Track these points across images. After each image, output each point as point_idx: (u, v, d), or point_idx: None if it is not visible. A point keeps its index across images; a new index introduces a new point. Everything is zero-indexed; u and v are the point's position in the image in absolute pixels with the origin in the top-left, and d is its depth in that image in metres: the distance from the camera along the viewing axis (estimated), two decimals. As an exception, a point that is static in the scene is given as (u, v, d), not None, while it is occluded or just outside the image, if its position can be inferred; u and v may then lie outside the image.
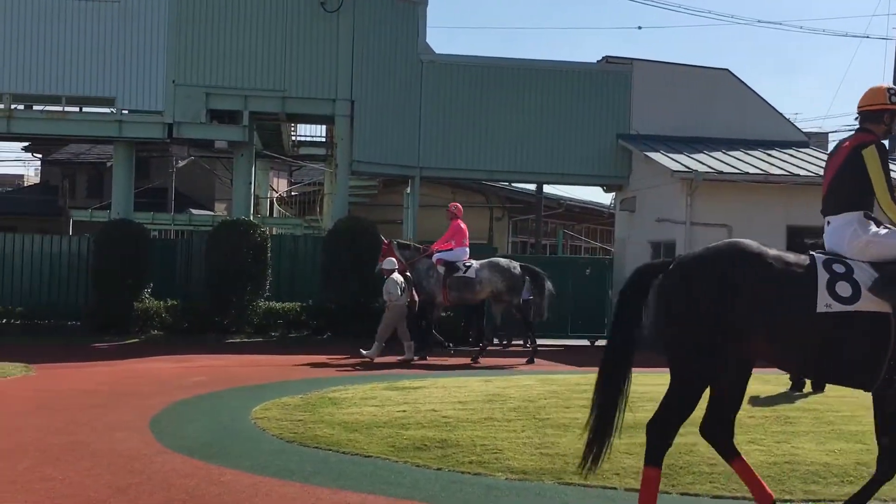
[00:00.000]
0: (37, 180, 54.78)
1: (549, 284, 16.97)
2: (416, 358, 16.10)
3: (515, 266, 16.89)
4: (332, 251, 20.21)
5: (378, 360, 16.02)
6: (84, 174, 41.43)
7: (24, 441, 8.38)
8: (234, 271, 19.72)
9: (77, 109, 21.13)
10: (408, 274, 16.60)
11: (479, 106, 22.69)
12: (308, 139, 29.43)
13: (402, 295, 16.04)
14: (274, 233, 28.17)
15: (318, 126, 28.57)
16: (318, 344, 19.25)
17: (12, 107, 20.60)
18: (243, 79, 20.88)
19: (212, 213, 38.08)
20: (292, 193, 38.54)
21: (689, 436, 7.90)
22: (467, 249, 17.09)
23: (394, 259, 16.49)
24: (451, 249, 16.96)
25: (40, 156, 43.95)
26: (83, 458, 7.73)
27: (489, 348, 17.49)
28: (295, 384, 12.52)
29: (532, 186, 31.15)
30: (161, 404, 10.59)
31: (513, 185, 30.27)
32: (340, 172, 21.62)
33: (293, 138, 28.54)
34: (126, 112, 20.86)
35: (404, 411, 9.71)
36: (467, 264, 16.81)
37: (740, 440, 6.92)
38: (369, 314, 19.24)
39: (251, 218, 21.42)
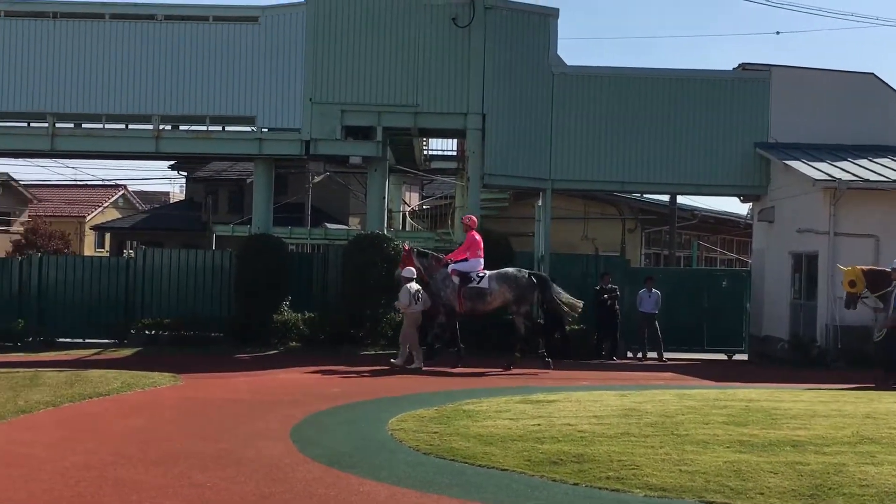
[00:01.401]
0: (182, 197, 57.25)
1: (557, 290, 17.20)
2: (423, 365, 16.56)
3: (524, 275, 17.17)
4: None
5: (508, 372, 16.00)
6: (226, 190, 42.99)
7: (175, 449, 8.73)
8: (368, 284, 20.04)
9: (220, 129, 21.95)
10: (426, 280, 16.92)
11: (611, 116, 22.41)
12: (440, 153, 29.71)
13: (417, 303, 16.53)
14: (406, 246, 28.57)
15: (450, 140, 28.81)
16: (451, 356, 19.32)
17: (160, 127, 21.56)
18: (376, 95, 21.26)
19: (346, 227, 38.94)
20: (424, 207, 38.99)
21: (837, 455, 7.59)
22: (482, 261, 17.40)
23: (412, 268, 16.96)
24: (465, 260, 17.29)
25: (185, 173, 45.93)
26: (229, 465, 7.99)
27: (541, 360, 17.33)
28: (429, 396, 12.62)
29: (665, 197, 30.56)
30: (301, 414, 10.86)
31: (645, 196, 29.79)
32: (472, 185, 21.71)
33: (425, 152, 28.85)
34: (266, 130, 21.54)
35: (539, 425, 9.65)
36: (480, 275, 17.14)
37: None
38: (498, 325, 19.28)
39: (384, 231, 21.74)
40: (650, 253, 33.30)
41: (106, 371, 14.89)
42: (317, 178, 36.71)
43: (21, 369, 15.18)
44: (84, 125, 21.85)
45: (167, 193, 71.04)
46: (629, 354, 19.77)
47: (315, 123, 21.21)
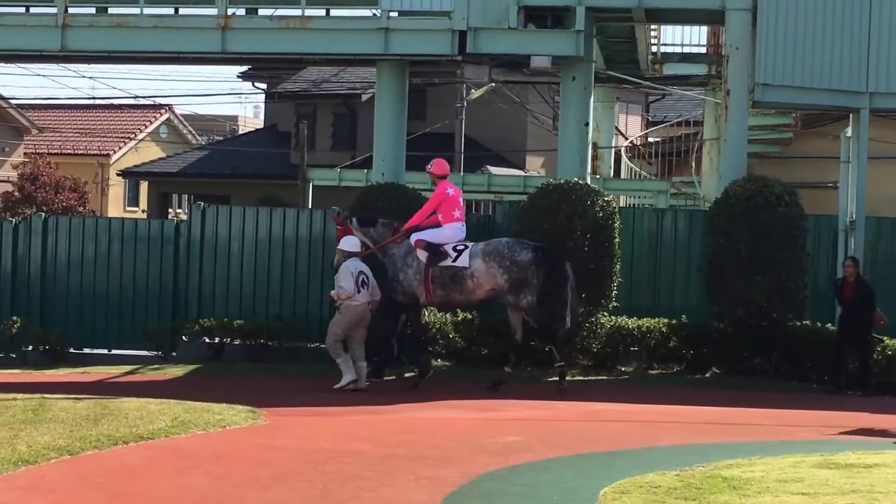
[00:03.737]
0: (259, 124, 58.64)
1: (571, 275, 18.23)
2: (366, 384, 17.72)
3: (524, 250, 18.09)
4: (722, 235, 20.00)
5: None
6: (328, 114, 43.72)
7: (258, 527, 8.95)
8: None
9: (322, 13, 22.23)
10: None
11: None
12: (678, 51, 29.30)
13: (362, 290, 17.47)
14: (623, 204, 28.33)
15: (695, 28, 28.31)
16: (696, 385, 19.22)
17: (229, 12, 22.03)
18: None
19: (522, 172, 38.95)
20: (651, 140, 38.54)
21: None
22: (463, 226, 18.48)
23: (355, 239, 18.07)
24: (436, 226, 18.21)
25: (264, 87, 46.92)
26: (346, 557, 8.12)
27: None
28: (665, 452, 12.54)
29: None
30: (457, 478, 10.89)
31: None
32: (734, 105, 21.32)
33: (654, 50, 28.50)
34: (395, 14, 21.71)
35: (856, 509, 9.49)
36: (459, 248, 18.02)
37: None
38: (787, 338, 19.24)
39: (587, 179, 21.63)
40: None
41: (146, 401, 15.32)
42: (475, 94, 36.82)
43: (19, 395, 15.82)
44: (112, 9, 22.55)
45: (235, 119, 73.21)
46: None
47: (475, 3, 21.23)
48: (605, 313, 20.48)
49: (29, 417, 13.77)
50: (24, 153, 52.84)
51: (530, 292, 18.07)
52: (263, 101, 50.24)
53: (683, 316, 20.59)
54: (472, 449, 12.55)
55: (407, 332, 18.75)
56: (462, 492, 10.41)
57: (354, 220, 18.85)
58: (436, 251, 18.03)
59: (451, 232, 18.30)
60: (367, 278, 17.73)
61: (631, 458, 12.10)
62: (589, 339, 20.30)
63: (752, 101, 21.60)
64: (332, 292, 17.96)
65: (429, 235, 18.23)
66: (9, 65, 40.52)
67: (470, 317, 20.64)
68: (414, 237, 18.24)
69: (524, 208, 21.08)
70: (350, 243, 17.99)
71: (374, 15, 21.92)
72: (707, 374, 20.18)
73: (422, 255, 18.09)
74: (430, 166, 18.87)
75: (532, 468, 11.56)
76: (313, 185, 34.74)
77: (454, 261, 17.99)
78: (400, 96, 22.47)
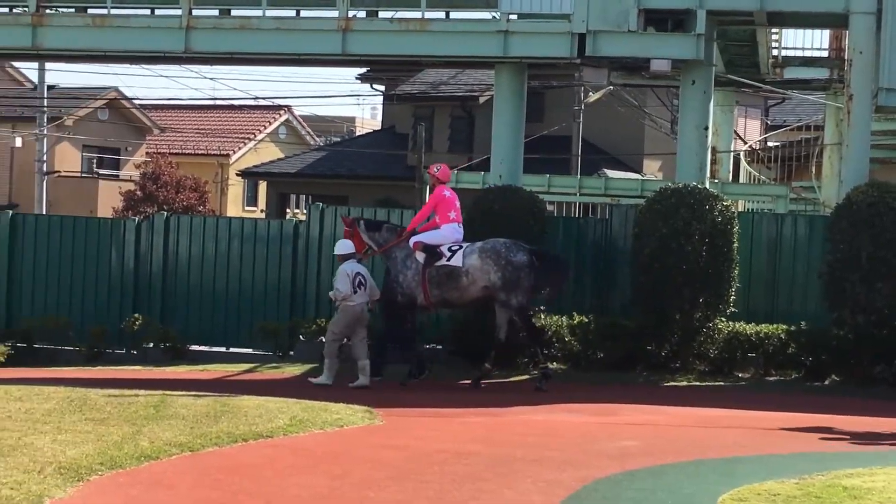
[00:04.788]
0: (377, 125, 59.02)
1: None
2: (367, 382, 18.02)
3: (520, 249, 18.42)
4: (842, 241, 19.73)
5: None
6: (445, 116, 43.87)
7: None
8: (678, 270, 19.89)
9: (442, 16, 22.31)
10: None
11: None
12: (798, 55, 29.01)
13: (358, 291, 18.00)
14: (741, 208, 28.07)
15: (816, 32, 28.02)
16: (815, 392, 19.02)
17: (349, 14, 22.20)
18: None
19: (639, 175, 38.78)
20: (770, 144, 38.20)
21: None
22: (459, 227, 18.91)
23: (349, 242, 18.59)
24: (435, 228, 18.72)
25: (382, 88, 47.20)
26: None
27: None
28: (784, 460, 12.42)
29: None
30: (574, 481, 10.90)
31: None
32: (856, 109, 21.04)
33: (774, 54, 28.24)
34: (514, 18, 21.72)
35: None
36: (454, 248, 18.46)
37: None
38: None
39: (706, 184, 21.46)
40: None
41: (265, 399, 15.50)
42: (593, 97, 36.74)
43: (141, 392, 16.11)
44: (235, 11, 22.87)
45: (353, 120, 73.77)
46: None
47: (595, 6, 21.17)
48: (723, 319, 20.31)
49: (151, 414, 14.02)
50: (147, 153, 53.72)
51: (522, 293, 18.49)
52: (381, 102, 50.49)
53: (802, 322, 20.35)
54: (588, 453, 12.56)
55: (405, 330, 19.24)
56: (579, 495, 10.41)
57: (362, 223, 19.44)
58: (432, 252, 18.51)
59: (447, 232, 18.79)
60: (365, 279, 18.31)
61: (749, 465, 12.02)
62: (706, 345, 20.18)
63: (876, 106, 21.32)
64: (330, 293, 18.55)
65: (426, 237, 18.76)
66: (133, 66, 41.22)
67: (586, 320, 20.59)
68: (413, 239, 18.73)
69: (642, 212, 20.96)
70: (343, 246, 18.55)
71: (494, 17, 21.96)
72: (826, 382, 19.93)
73: (420, 256, 18.59)
74: (435, 170, 19.41)
75: (649, 473, 11.53)
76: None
77: (448, 260, 18.46)
78: (518, 99, 22.48)
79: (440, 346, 21.80)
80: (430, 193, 19.18)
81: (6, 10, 23.89)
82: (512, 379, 19.67)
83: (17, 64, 53.93)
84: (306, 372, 19.65)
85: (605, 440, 13.56)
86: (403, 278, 18.71)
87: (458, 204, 19.25)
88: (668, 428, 14.93)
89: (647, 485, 10.98)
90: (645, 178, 38.51)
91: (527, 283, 18.52)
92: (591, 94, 36.47)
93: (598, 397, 17.40)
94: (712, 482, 11.04)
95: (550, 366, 19.10)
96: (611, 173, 37.97)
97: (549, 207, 28.59)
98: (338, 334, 18.35)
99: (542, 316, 20.53)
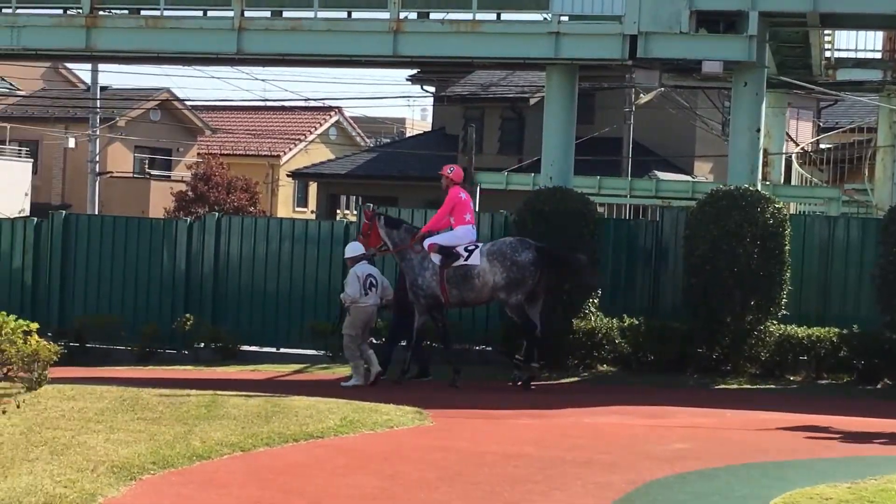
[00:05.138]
0: (427, 126, 59.08)
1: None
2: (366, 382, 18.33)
3: (526, 250, 18.57)
4: (895, 243, 19.62)
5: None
6: (496, 117, 43.88)
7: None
8: (729, 273, 19.82)
9: (493, 17, 22.31)
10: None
11: None
12: (851, 56, 28.79)
13: (368, 294, 18.46)
14: (793, 210, 27.95)
15: (870, 33, 27.86)
16: (867, 396, 18.97)
17: (401, 15, 22.23)
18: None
19: (690, 177, 38.64)
20: (822, 146, 37.98)
21: None
22: (473, 228, 19.16)
23: (359, 245, 19.00)
24: (450, 229, 18.90)
25: (432, 90, 47.26)
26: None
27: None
28: (836, 463, 12.40)
29: None
30: (624, 483, 10.91)
31: None
32: (910, 110, 20.93)
33: (827, 55, 28.05)
34: (565, 19, 21.69)
35: None
36: (470, 248, 18.65)
37: None
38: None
39: (757, 186, 21.39)
40: None
41: (315, 400, 15.58)
42: (644, 99, 36.63)
43: (192, 391, 16.20)
44: (286, 13, 22.97)
45: (403, 122, 73.88)
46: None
47: (646, 7, 21.11)
48: (774, 321, 20.25)
49: (202, 413, 14.11)
50: (198, 153, 54.08)
51: (523, 291, 18.50)
52: (432, 103, 50.54)
53: (854, 325, 20.25)
54: (639, 455, 12.55)
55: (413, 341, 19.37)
56: (629, 498, 10.43)
57: (382, 218, 19.53)
58: (448, 253, 18.63)
59: (462, 233, 18.90)
60: (376, 280, 18.70)
61: (800, 469, 11.99)
62: (757, 348, 20.11)
63: (931, 108, 21.19)
64: (341, 295, 18.80)
65: (442, 239, 18.88)
66: (185, 67, 41.44)
67: (637, 322, 20.57)
68: (427, 242, 18.86)
69: (693, 214, 20.91)
70: (353, 249, 18.97)
71: (545, 19, 21.93)
72: (878, 386, 19.85)
73: (436, 258, 18.69)
74: (449, 171, 19.44)
75: (700, 476, 11.52)
76: (480, 188, 34.88)
77: (466, 260, 18.60)
78: (569, 100, 22.44)
79: (489, 348, 21.87)
80: (446, 194, 19.14)
81: (60, 11, 24.07)
82: (562, 381, 19.66)
83: (70, 65, 54.57)
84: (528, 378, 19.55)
85: (655, 443, 13.55)
86: (423, 280, 18.81)
87: (472, 205, 19.52)
88: (719, 431, 14.89)
89: (698, 488, 10.98)
90: (696, 180, 38.35)
91: (530, 282, 18.54)
92: (641, 95, 36.35)
93: (649, 400, 17.39)
94: (764, 486, 11.03)
95: (535, 364, 18.86)
96: (661, 175, 37.85)
97: (600, 209, 28.52)
98: (354, 335, 18.55)
99: (593, 318, 20.53)
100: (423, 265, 18.80)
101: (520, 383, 18.58)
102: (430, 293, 18.78)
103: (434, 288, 18.71)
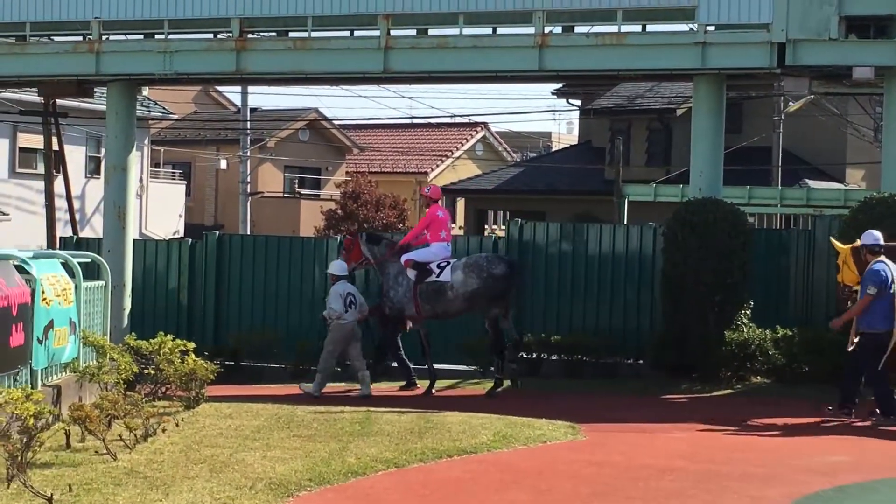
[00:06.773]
0: (571, 140, 59.05)
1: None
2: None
3: (500, 261, 19.77)
4: None
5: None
6: (642, 129, 43.68)
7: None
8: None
9: (637, 29, 22.23)
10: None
11: None
12: None
13: (349, 310, 19.22)
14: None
15: None
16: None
17: (546, 30, 22.25)
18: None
19: (842, 185, 38.08)
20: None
21: None
22: (448, 245, 19.98)
23: (343, 264, 19.82)
24: (425, 245, 19.76)
25: (578, 103, 47.22)
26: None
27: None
28: None
29: None
30: (783, 497, 10.84)
31: None
32: None
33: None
34: (712, 29, 21.52)
35: None
36: (442, 265, 19.42)
37: None
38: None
39: (914, 194, 20.99)
40: None
41: (468, 415, 15.72)
42: (793, 107, 36.20)
43: (346, 408, 16.42)
44: (432, 31, 23.16)
45: (548, 135, 73.87)
46: None
47: (794, 14, 20.84)
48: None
49: (356, 430, 14.29)
50: (346, 172, 54.62)
51: (497, 304, 19.40)
52: (577, 117, 50.48)
53: None
54: (796, 468, 12.45)
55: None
56: (788, 513, 10.32)
57: (364, 234, 20.93)
58: (422, 269, 19.45)
59: (437, 250, 19.72)
60: (355, 298, 19.53)
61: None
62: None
63: None
64: (324, 312, 19.62)
65: (417, 255, 19.69)
66: (333, 87, 41.94)
67: (790, 333, 20.30)
68: (404, 257, 19.66)
69: (846, 222, 20.57)
70: (337, 267, 19.72)
71: (691, 29, 21.79)
72: None
73: (411, 273, 19.52)
74: (426, 190, 20.97)
75: (860, 489, 11.40)
76: (628, 201, 34.81)
77: (437, 276, 19.38)
78: (717, 110, 22.26)
79: (640, 361, 21.77)
80: (423, 212, 20.31)
81: (211, 35, 24.56)
82: (715, 393, 19.50)
83: (221, 88, 55.50)
84: (504, 389, 19.70)
85: (811, 455, 13.40)
86: (394, 293, 19.67)
87: (449, 224, 20.52)
88: (879, 442, 14.68)
89: (858, 501, 10.86)
90: (848, 188, 37.80)
91: (499, 290, 19.32)
92: (791, 103, 35.92)
93: (804, 412, 17.13)
94: (928, 499, 10.87)
95: (506, 383, 19.65)
96: (812, 183, 37.37)
97: (750, 219, 28.24)
98: (333, 351, 19.39)
99: (745, 329, 20.29)
100: (398, 280, 19.72)
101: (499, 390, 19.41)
102: (398, 308, 19.73)
103: (404, 304, 19.65)
